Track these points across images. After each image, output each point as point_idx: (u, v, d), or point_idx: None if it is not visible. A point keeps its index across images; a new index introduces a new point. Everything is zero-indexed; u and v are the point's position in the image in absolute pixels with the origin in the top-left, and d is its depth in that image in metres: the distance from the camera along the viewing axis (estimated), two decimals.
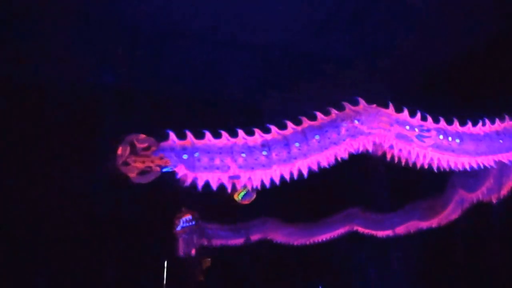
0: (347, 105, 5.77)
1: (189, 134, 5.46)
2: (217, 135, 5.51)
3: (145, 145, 5.40)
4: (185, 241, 7.33)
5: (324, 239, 8.67)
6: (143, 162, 5.33)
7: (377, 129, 5.71)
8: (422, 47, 7.75)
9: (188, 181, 5.39)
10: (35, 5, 6.59)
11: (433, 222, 7.86)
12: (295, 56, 7.96)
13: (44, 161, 6.65)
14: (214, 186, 5.43)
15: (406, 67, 7.94)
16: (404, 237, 8.19)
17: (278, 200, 7.21)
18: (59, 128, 6.82)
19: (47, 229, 6.55)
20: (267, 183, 5.51)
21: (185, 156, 5.34)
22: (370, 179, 7.70)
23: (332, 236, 8.64)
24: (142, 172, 5.35)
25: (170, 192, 6.20)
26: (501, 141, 6.46)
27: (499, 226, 7.12)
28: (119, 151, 5.34)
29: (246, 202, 6.40)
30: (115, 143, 5.49)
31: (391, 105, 5.92)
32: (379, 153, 5.99)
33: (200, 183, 5.40)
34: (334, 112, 5.74)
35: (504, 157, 6.53)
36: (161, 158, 5.34)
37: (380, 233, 8.59)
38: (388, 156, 6.08)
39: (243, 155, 5.44)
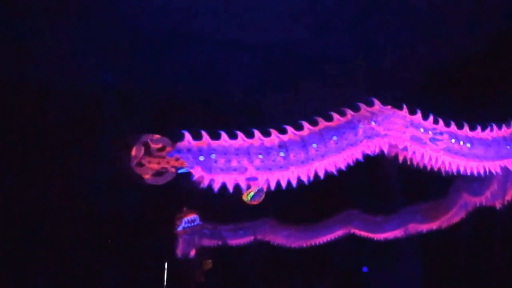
0: (363, 106, 5.70)
1: (205, 135, 5.32)
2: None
3: (160, 145, 5.25)
4: (185, 242, 7.15)
5: (322, 241, 8.57)
6: (158, 163, 5.19)
7: (393, 130, 5.66)
8: (423, 47, 7.76)
9: (205, 183, 5.24)
10: (35, 5, 6.41)
11: (434, 225, 7.82)
12: (296, 57, 7.88)
13: (44, 161, 6.43)
14: (230, 188, 5.30)
15: (407, 68, 7.93)
16: (403, 239, 8.14)
17: (277, 201, 7.09)
18: (59, 128, 6.59)
19: (47, 229, 6.34)
20: (284, 185, 5.40)
21: (201, 158, 5.21)
22: (371, 180, 7.63)
23: (330, 238, 8.54)
24: (157, 173, 5.20)
25: (171, 192, 6.02)
26: (508, 147, 6.49)
27: (502, 232, 7.14)
28: (133, 151, 5.19)
29: (255, 202, 6.26)
30: (125, 144, 5.32)
31: (405, 107, 5.87)
32: (392, 154, 5.94)
33: (217, 185, 5.26)
34: (349, 112, 5.67)
35: (510, 163, 6.57)
36: (177, 159, 5.19)
37: (379, 236, 8.53)
38: (401, 158, 6.03)
39: (260, 156, 5.33)
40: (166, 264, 7.17)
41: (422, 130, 5.87)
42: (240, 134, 5.42)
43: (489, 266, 7.37)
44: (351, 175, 6.83)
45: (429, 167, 6.14)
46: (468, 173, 6.36)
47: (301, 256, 8.49)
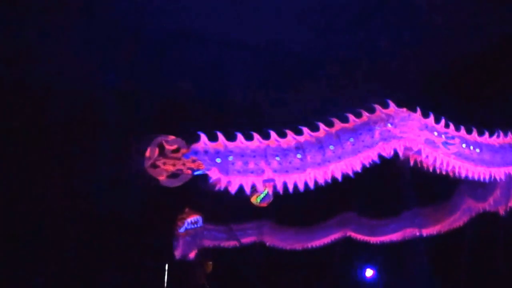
0: (378, 108, 5.63)
1: (221, 136, 5.17)
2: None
3: (175, 147, 5.09)
4: (186, 243, 7.01)
5: (318, 244, 8.50)
6: (174, 164, 5.01)
7: (408, 133, 5.60)
8: (424, 48, 7.76)
9: (222, 185, 5.09)
10: (37, 5, 6.31)
11: (435, 229, 7.82)
12: (297, 57, 7.82)
13: (45, 161, 6.27)
14: (247, 190, 5.16)
15: (409, 69, 7.93)
16: (403, 243, 8.13)
17: (275, 203, 6.99)
18: (59, 128, 6.44)
19: (48, 229, 6.21)
20: (301, 187, 5.28)
21: (218, 160, 5.05)
22: (371, 183, 7.56)
23: (326, 241, 8.48)
24: (172, 175, 5.03)
25: (174, 193, 5.87)
26: None
27: (504, 238, 7.17)
28: (147, 153, 5.01)
29: (264, 205, 6.15)
30: (138, 145, 5.15)
31: (418, 109, 5.83)
32: (405, 157, 5.88)
33: (234, 188, 5.11)
34: (366, 114, 5.59)
35: None
36: (194, 161, 5.03)
37: (375, 239, 8.50)
38: (412, 161, 5.98)
39: (278, 158, 5.19)
40: (167, 265, 7.04)
41: (436, 133, 5.83)
42: (256, 135, 5.29)
43: (489, 270, 7.41)
44: (352, 179, 6.77)
45: (438, 171, 6.08)
46: (476, 178, 6.34)
47: (299, 257, 8.45)
